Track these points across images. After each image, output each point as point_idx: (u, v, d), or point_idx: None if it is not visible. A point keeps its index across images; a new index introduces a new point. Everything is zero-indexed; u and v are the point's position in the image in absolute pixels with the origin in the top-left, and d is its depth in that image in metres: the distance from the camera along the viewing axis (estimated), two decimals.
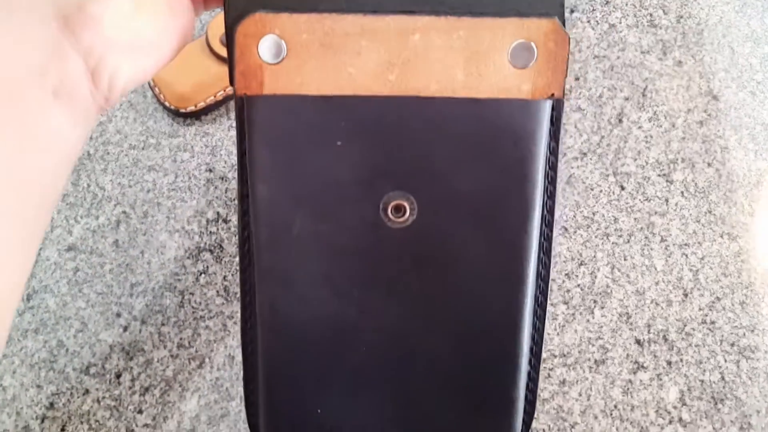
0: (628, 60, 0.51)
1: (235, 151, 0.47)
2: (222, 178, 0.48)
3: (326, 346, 0.28)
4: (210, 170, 0.48)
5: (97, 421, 0.43)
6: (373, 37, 0.26)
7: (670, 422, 0.43)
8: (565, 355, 0.44)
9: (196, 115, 0.49)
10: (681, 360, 0.44)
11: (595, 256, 0.46)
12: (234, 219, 0.47)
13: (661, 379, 0.44)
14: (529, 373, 0.28)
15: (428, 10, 0.26)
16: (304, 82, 0.26)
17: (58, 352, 0.44)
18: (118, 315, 0.45)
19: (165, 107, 0.49)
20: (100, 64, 0.25)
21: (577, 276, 0.46)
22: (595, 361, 0.44)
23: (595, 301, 0.45)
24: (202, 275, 0.46)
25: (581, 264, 0.46)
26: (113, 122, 0.50)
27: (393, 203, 0.27)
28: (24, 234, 0.24)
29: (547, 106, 0.26)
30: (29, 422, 0.43)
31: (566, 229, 0.47)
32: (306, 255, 0.27)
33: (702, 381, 0.44)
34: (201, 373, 0.44)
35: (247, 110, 0.26)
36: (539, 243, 0.27)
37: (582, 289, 0.46)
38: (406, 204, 0.27)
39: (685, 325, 0.45)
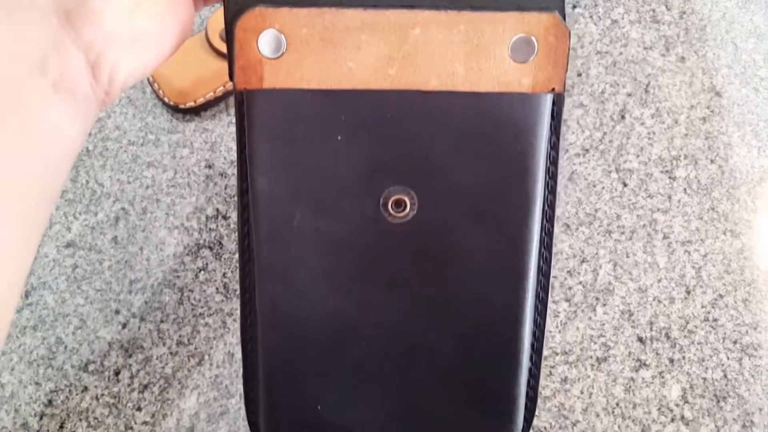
0: (630, 56, 0.51)
1: (234, 147, 0.47)
2: (221, 175, 0.48)
3: (326, 342, 0.28)
4: (209, 166, 0.48)
5: (95, 418, 0.43)
6: (373, 31, 0.26)
7: (673, 420, 0.43)
8: (566, 353, 0.44)
9: (196, 111, 0.49)
10: (683, 358, 0.44)
11: (597, 254, 0.46)
12: (233, 216, 0.47)
13: (663, 377, 0.44)
14: (530, 369, 0.28)
15: (428, 4, 0.26)
16: (303, 77, 0.26)
17: (57, 349, 0.44)
18: (117, 312, 0.45)
19: (164, 103, 0.49)
20: (100, 59, 0.25)
21: (579, 273, 0.46)
22: (597, 358, 0.44)
23: (597, 299, 0.45)
24: (202, 272, 0.46)
25: (583, 261, 0.46)
26: (112, 118, 0.49)
27: (393, 198, 0.27)
28: (24, 230, 0.24)
29: (548, 99, 0.26)
30: (28, 419, 0.43)
31: (568, 226, 0.47)
32: (306, 250, 0.27)
33: (704, 379, 0.44)
34: (200, 370, 0.44)
35: (247, 105, 0.26)
36: (540, 238, 0.27)
37: (584, 287, 0.45)
38: (406, 199, 0.27)
39: (687, 323, 0.45)
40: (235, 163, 0.27)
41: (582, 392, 0.43)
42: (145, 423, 0.43)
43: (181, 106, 0.48)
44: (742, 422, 0.43)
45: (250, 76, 0.26)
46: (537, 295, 0.28)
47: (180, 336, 0.44)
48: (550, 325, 0.45)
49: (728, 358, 0.44)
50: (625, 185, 0.47)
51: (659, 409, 0.43)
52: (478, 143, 0.26)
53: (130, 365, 0.44)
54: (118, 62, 0.25)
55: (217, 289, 0.45)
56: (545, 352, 0.44)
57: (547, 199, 0.27)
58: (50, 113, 0.24)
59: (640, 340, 0.44)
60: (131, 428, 0.43)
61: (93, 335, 0.45)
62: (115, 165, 0.48)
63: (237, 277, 0.45)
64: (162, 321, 0.45)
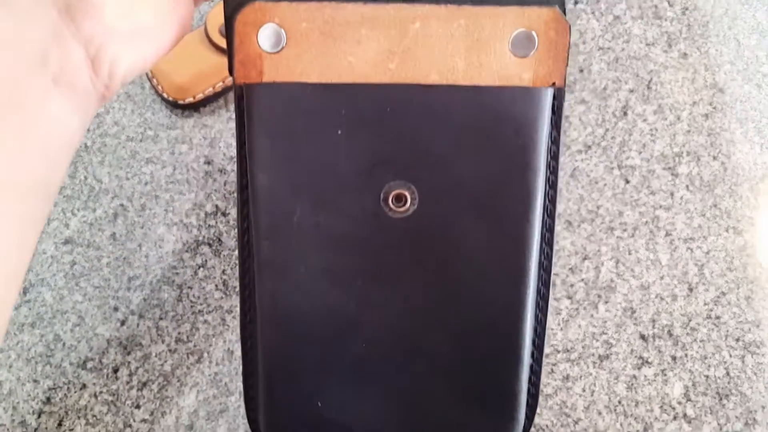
0: (632, 52, 0.51)
1: (233, 144, 0.47)
2: (221, 171, 0.48)
3: (326, 339, 0.28)
4: (208, 163, 0.48)
5: (94, 416, 0.43)
6: (373, 25, 0.26)
7: (675, 418, 0.43)
8: (568, 351, 0.44)
9: (195, 107, 0.49)
10: (686, 355, 0.44)
11: (599, 251, 0.46)
12: (233, 212, 0.47)
13: (665, 375, 0.43)
14: (531, 366, 0.28)
15: None
16: (304, 71, 0.26)
17: (55, 347, 0.44)
18: (116, 309, 0.45)
19: (163, 99, 0.48)
20: (100, 52, 0.25)
21: (581, 270, 0.45)
22: (599, 356, 0.44)
23: (599, 296, 0.45)
24: (201, 269, 0.46)
25: (585, 258, 0.46)
26: (111, 114, 0.49)
27: (394, 192, 0.26)
28: (22, 226, 0.24)
29: (549, 94, 0.26)
30: (26, 417, 0.43)
31: (570, 223, 0.46)
32: (306, 245, 0.27)
33: (707, 376, 0.43)
34: (199, 367, 0.43)
35: (247, 99, 0.26)
36: (541, 233, 0.27)
37: (586, 284, 0.45)
38: (407, 193, 0.26)
39: (690, 320, 0.44)
40: (235, 159, 0.27)
41: (584, 390, 0.43)
42: (144, 421, 0.43)
43: (180, 102, 0.48)
44: (745, 420, 0.43)
45: (250, 70, 0.26)
46: (538, 291, 0.28)
47: (179, 333, 0.44)
48: (552, 322, 0.44)
49: (731, 356, 0.44)
50: (628, 182, 0.47)
51: (661, 406, 0.43)
52: (478, 137, 0.26)
53: (129, 362, 0.44)
54: (118, 56, 0.25)
55: (216, 286, 0.45)
56: (547, 350, 0.44)
57: (548, 193, 0.27)
58: (50, 107, 0.24)
59: (643, 337, 0.44)
60: (130, 426, 0.42)
61: (91, 332, 0.44)
62: (113, 161, 0.48)
63: (236, 274, 0.45)
64: (161, 318, 0.45)
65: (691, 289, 0.45)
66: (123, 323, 0.45)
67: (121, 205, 0.47)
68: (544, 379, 0.43)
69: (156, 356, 0.44)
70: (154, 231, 0.46)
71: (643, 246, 0.46)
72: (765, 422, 0.42)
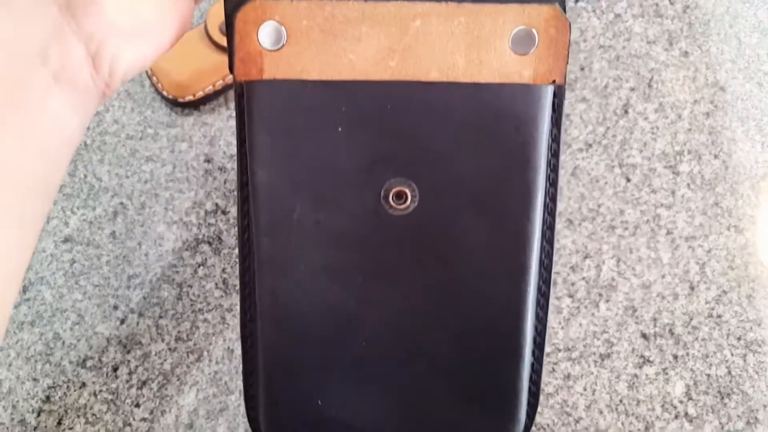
0: (633, 50, 0.50)
1: (234, 142, 0.47)
2: (221, 169, 0.48)
3: (327, 338, 0.28)
4: (208, 161, 0.48)
5: (93, 414, 0.43)
6: (373, 23, 0.26)
7: (676, 417, 0.42)
8: (569, 349, 0.44)
9: (195, 105, 0.49)
10: (687, 354, 0.44)
11: (600, 249, 0.46)
12: (233, 211, 0.47)
13: (667, 374, 0.43)
14: (532, 365, 0.28)
15: None
16: (304, 69, 0.26)
17: (55, 345, 0.44)
18: (116, 307, 0.45)
19: (163, 97, 0.48)
20: (101, 50, 0.25)
21: (582, 269, 0.45)
22: (601, 355, 0.44)
23: (600, 295, 0.45)
24: (201, 267, 0.45)
25: (586, 257, 0.46)
26: (110, 112, 0.49)
27: (394, 190, 0.26)
28: (22, 224, 0.24)
29: (549, 91, 0.26)
30: (25, 416, 0.43)
31: (571, 222, 0.46)
32: (306, 243, 0.27)
33: (708, 375, 0.43)
34: (199, 366, 0.43)
35: (247, 97, 0.26)
36: (542, 231, 0.27)
37: (587, 283, 0.45)
38: (407, 191, 0.26)
39: (691, 319, 0.44)
40: (235, 158, 0.27)
41: (585, 389, 0.43)
42: (144, 419, 0.42)
43: (180, 100, 0.48)
44: (747, 419, 0.42)
45: (250, 68, 0.26)
46: (539, 289, 0.28)
47: (179, 332, 0.44)
48: (553, 321, 0.44)
49: (732, 355, 0.44)
50: (629, 180, 0.47)
51: (663, 405, 0.43)
52: (479, 135, 0.26)
53: (129, 361, 0.44)
54: (119, 53, 0.25)
55: (216, 284, 0.45)
56: (548, 349, 0.44)
57: (549, 191, 0.27)
58: (50, 104, 0.24)
59: (644, 336, 0.44)
60: (129, 425, 0.42)
61: (91, 331, 0.44)
62: (113, 159, 0.48)
63: (236, 273, 0.45)
64: (161, 317, 0.44)
65: (692, 288, 0.45)
66: (123, 322, 0.44)
67: (121, 203, 0.47)
68: (545, 378, 0.43)
69: (156, 355, 0.44)
70: (154, 229, 0.46)
71: (644, 244, 0.46)
72: (767, 421, 0.42)
